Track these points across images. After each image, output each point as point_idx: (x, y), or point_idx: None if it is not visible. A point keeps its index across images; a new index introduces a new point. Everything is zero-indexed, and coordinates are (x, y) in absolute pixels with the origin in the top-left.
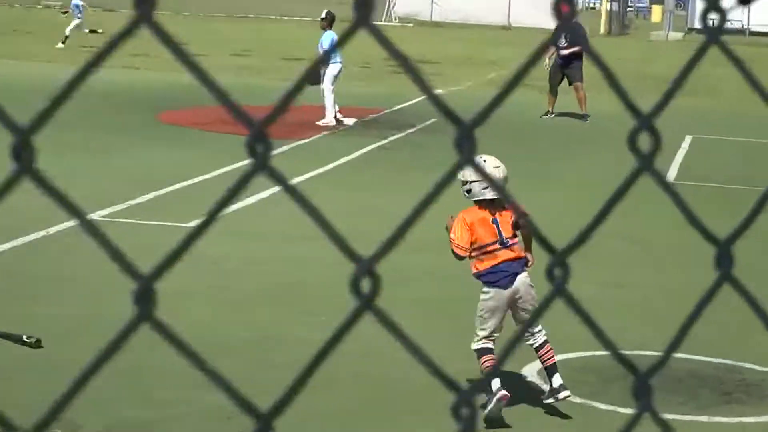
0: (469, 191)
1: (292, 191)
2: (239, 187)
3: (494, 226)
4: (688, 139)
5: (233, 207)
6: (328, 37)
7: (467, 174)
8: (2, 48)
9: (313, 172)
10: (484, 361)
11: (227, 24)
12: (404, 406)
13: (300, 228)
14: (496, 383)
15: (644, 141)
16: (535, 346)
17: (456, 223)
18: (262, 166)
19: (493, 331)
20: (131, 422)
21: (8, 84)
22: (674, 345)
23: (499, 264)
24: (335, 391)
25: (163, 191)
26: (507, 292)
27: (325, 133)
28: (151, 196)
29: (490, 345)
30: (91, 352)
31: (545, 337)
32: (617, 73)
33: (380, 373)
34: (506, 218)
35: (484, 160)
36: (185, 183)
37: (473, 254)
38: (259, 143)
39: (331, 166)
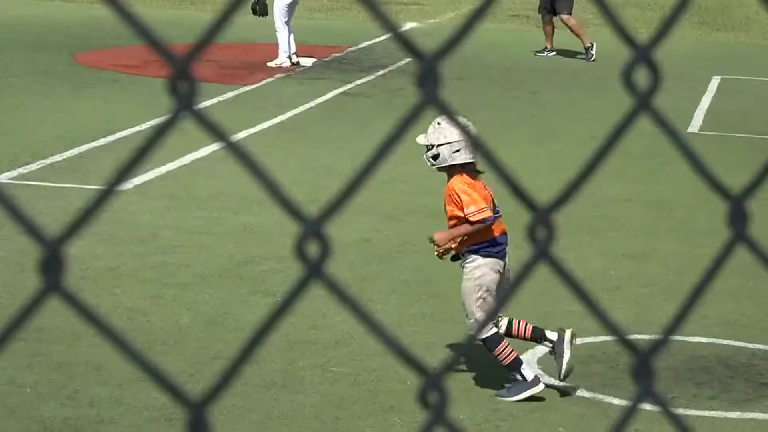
0: (435, 157)
1: (222, 137)
2: (160, 133)
3: (486, 191)
4: (715, 81)
5: (172, 166)
6: None
7: (432, 137)
8: None
9: (264, 124)
10: (502, 350)
11: None
12: (380, 403)
13: (252, 192)
14: (529, 372)
15: (643, 77)
16: (502, 331)
17: (464, 192)
18: (186, 106)
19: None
20: (54, 424)
21: None
22: (679, 319)
23: (497, 236)
24: (299, 389)
25: (84, 147)
26: (499, 265)
27: (278, 76)
28: (69, 153)
29: (498, 330)
30: (9, 345)
31: (506, 317)
32: (637, 6)
33: (352, 367)
34: (486, 185)
35: None
36: (111, 138)
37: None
38: (182, 82)
39: (285, 116)
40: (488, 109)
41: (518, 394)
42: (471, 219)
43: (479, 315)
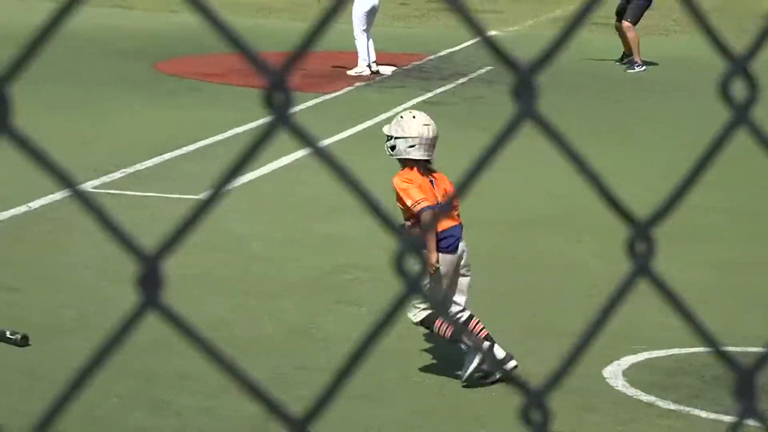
0: (393, 148)
1: (318, 149)
2: (257, 146)
3: (433, 188)
4: None
5: (257, 173)
6: None
7: (393, 129)
8: None
9: (345, 133)
10: (440, 325)
11: None
12: (465, 414)
13: (339, 200)
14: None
15: (740, 89)
16: (462, 319)
17: (401, 189)
18: (282, 119)
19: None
20: None
21: None
22: None
23: (444, 230)
24: (384, 399)
25: (166, 156)
26: (452, 258)
27: (358, 84)
28: (151, 162)
29: (430, 311)
30: (87, 353)
31: (470, 312)
32: (721, 12)
33: (436, 377)
34: (441, 181)
35: (413, 116)
36: (193, 146)
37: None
38: (278, 93)
39: (366, 124)
40: (574, 118)
41: (471, 364)
42: (413, 210)
43: (418, 303)
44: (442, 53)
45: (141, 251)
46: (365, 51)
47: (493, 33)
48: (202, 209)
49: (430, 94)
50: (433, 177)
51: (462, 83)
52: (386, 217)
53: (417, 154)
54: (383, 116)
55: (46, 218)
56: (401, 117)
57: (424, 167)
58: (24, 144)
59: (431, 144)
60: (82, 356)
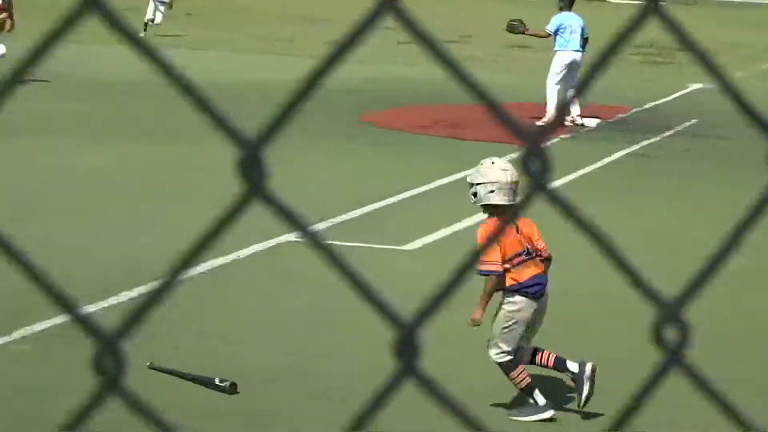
0: (475, 195)
1: (576, 218)
2: (516, 213)
3: (518, 235)
4: None
5: (460, 226)
6: (555, 22)
7: (473, 176)
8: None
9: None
10: (517, 375)
11: (441, 4)
12: None
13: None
14: (541, 398)
15: None
16: (526, 360)
17: (481, 242)
18: (540, 186)
19: (517, 345)
20: None
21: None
22: None
23: (531, 277)
24: None
25: (372, 207)
26: (536, 304)
27: (562, 136)
28: (357, 213)
29: (513, 357)
30: (297, 403)
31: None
32: None
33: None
34: (527, 227)
35: (492, 162)
36: (398, 197)
37: (506, 267)
38: (534, 159)
39: (571, 177)
40: (751, 173)
41: (530, 415)
42: (477, 267)
43: (502, 343)
44: (648, 105)
45: (398, 318)
46: (554, 103)
47: (698, 86)
48: (458, 278)
49: (635, 147)
50: (520, 223)
51: (668, 136)
52: (647, 286)
53: (497, 199)
54: (588, 169)
55: (253, 267)
56: (481, 164)
57: (509, 213)
58: (280, 208)
59: (511, 189)
60: (293, 404)
